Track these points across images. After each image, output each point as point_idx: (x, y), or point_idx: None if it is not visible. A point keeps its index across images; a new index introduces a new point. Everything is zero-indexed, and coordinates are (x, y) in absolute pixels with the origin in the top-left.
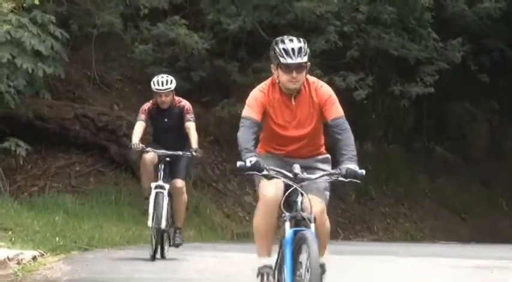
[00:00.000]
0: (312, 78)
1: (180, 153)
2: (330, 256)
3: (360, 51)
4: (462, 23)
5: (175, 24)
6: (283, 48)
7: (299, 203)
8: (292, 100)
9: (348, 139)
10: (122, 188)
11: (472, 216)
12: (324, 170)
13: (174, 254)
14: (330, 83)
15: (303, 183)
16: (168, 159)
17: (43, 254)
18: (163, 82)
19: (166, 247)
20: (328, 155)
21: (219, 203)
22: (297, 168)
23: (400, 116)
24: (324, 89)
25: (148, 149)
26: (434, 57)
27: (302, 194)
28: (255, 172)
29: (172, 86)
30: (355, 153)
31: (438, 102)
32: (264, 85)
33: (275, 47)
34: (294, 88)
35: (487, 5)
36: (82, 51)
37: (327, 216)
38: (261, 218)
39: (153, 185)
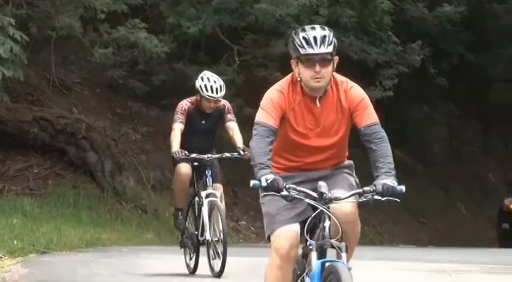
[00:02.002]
0: (341, 78)
1: (228, 154)
2: None
3: None
4: (422, 26)
5: (135, 28)
6: (304, 37)
7: (327, 229)
8: (317, 102)
9: (384, 150)
10: (81, 191)
11: (430, 219)
12: (349, 174)
13: (133, 258)
14: None
15: (331, 204)
16: (196, 164)
17: (1, 257)
18: (218, 89)
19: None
20: (351, 162)
21: None
22: (323, 186)
23: None
24: (355, 91)
25: (193, 155)
26: (394, 61)
27: (330, 218)
28: (273, 193)
29: (224, 91)
30: (392, 166)
31: (397, 106)
32: (282, 84)
33: (294, 37)
34: (319, 86)
35: (447, 9)
36: (41, 54)
37: (358, 217)
38: (275, 274)
39: (203, 193)
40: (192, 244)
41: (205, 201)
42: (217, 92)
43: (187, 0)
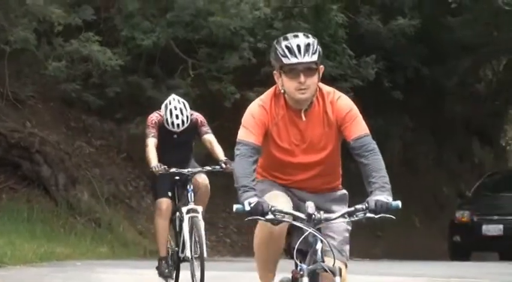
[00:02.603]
0: (327, 88)
1: (209, 168)
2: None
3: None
4: (376, 39)
5: (89, 41)
6: (286, 46)
7: (319, 252)
8: (302, 116)
9: (375, 162)
10: (35, 205)
11: (386, 233)
12: (345, 226)
13: (88, 272)
14: (244, 99)
15: (321, 225)
16: (177, 178)
17: None
18: (180, 125)
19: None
20: (345, 192)
21: (132, 220)
22: (310, 206)
23: None
24: (343, 102)
25: (172, 170)
26: (349, 74)
27: (322, 240)
28: (258, 217)
29: (189, 122)
30: (386, 179)
31: None
32: (264, 98)
33: (276, 46)
34: (305, 98)
35: (401, 22)
36: None
37: (346, 276)
38: (264, 247)
39: (184, 209)
40: (173, 261)
41: (186, 217)
42: (179, 127)
43: (141, 13)
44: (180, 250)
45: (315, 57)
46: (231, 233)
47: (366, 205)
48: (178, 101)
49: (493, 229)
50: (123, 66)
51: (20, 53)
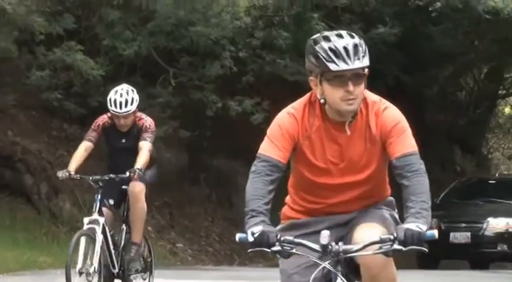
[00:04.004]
0: (373, 97)
1: (112, 176)
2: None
3: (255, 76)
4: None
5: (71, 50)
6: (331, 49)
7: None
8: (347, 129)
9: (417, 185)
10: (17, 214)
11: None
12: (385, 210)
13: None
14: (226, 108)
15: (340, 257)
16: (125, 187)
17: None
18: (122, 103)
19: None
20: (391, 198)
21: None
22: (325, 236)
23: None
24: (389, 113)
25: (76, 176)
26: None
27: (344, 275)
28: (263, 248)
29: (134, 106)
30: (427, 205)
31: None
32: (296, 105)
33: (316, 48)
34: (352, 110)
35: (382, 31)
36: None
37: (390, 267)
38: None
39: (86, 219)
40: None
41: (85, 227)
42: (121, 107)
43: (122, 22)
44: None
45: (366, 62)
46: (214, 242)
47: (394, 235)
48: (128, 87)
49: (460, 237)
50: (104, 76)
51: (1, 62)
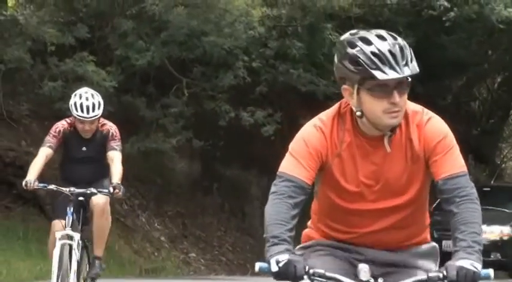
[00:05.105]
0: (413, 107)
1: (94, 190)
2: None
3: (268, 86)
4: None
5: (83, 60)
6: (374, 53)
7: None
8: (387, 145)
9: (468, 213)
10: (30, 224)
11: None
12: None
13: None
14: (238, 119)
15: None
16: (81, 198)
17: None
18: (90, 107)
19: None
20: (434, 244)
21: (127, 239)
22: (364, 271)
23: None
24: (434, 126)
25: (52, 186)
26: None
27: None
28: (288, 280)
29: (101, 110)
30: (478, 238)
31: None
32: (324, 117)
33: (354, 52)
34: (395, 124)
35: None
36: None
37: None
38: None
39: (58, 234)
40: None
41: (58, 244)
42: (88, 111)
43: (135, 32)
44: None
45: (415, 67)
46: (226, 251)
47: (444, 273)
48: (92, 90)
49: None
50: (116, 86)
51: (14, 72)
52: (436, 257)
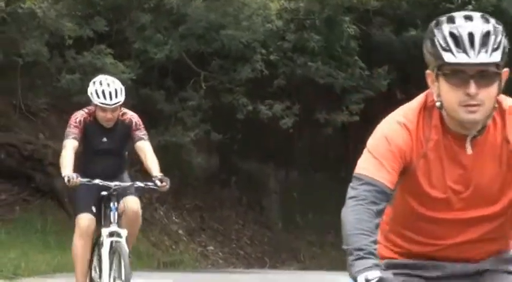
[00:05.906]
0: (510, 101)
1: (141, 184)
2: None
3: (286, 79)
4: (388, 51)
5: (101, 53)
6: (451, 33)
7: None
8: (467, 147)
9: None
10: (48, 217)
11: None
12: None
13: None
14: (256, 112)
15: None
16: (104, 193)
17: None
18: (112, 93)
19: None
20: None
21: (145, 232)
22: None
23: (325, 144)
24: None
25: (97, 181)
26: (361, 86)
27: None
28: None
29: (123, 97)
30: None
31: (364, 131)
32: (409, 112)
33: (435, 31)
34: (473, 120)
35: (413, 34)
36: (7, 79)
37: None
38: None
39: (105, 231)
40: None
41: (107, 242)
42: (111, 98)
43: (153, 25)
44: (98, 276)
45: (496, 56)
46: (245, 245)
47: None
48: (110, 77)
49: None
50: (135, 79)
51: (32, 65)
52: None
